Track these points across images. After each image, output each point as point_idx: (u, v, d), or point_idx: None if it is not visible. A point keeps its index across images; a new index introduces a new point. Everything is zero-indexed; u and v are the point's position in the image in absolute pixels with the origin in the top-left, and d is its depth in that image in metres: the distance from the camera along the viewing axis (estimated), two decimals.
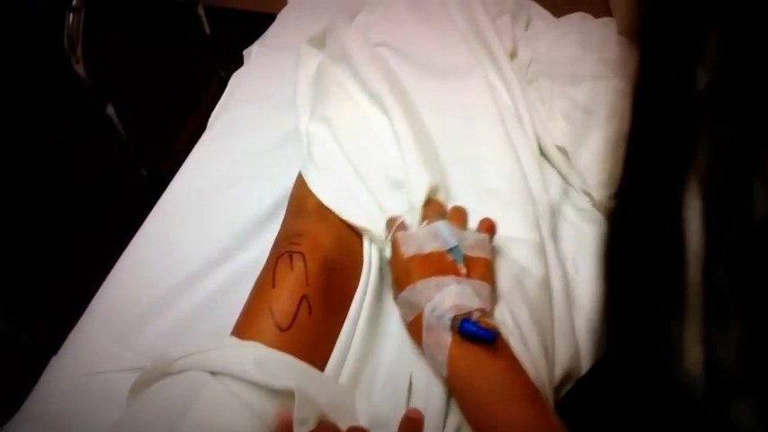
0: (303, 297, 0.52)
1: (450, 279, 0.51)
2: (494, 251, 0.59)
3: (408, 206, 0.62)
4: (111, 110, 0.92)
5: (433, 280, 0.51)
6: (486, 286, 0.53)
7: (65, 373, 0.60)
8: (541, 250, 0.61)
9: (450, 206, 0.64)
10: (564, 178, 0.78)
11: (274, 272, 0.54)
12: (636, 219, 0.28)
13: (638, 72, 0.26)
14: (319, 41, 0.90)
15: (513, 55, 0.93)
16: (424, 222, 0.58)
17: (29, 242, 1.29)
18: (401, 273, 0.55)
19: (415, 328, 0.52)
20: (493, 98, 0.81)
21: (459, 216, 0.61)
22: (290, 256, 0.55)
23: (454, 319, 0.48)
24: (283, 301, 0.52)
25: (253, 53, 1.02)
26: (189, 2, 1.29)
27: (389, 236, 0.58)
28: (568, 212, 0.74)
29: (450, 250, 0.54)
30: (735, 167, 0.23)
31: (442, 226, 0.56)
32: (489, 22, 0.90)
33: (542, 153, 0.80)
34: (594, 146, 0.79)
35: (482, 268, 0.55)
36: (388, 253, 0.59)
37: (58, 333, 0.64)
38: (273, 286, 0.53)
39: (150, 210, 0.77)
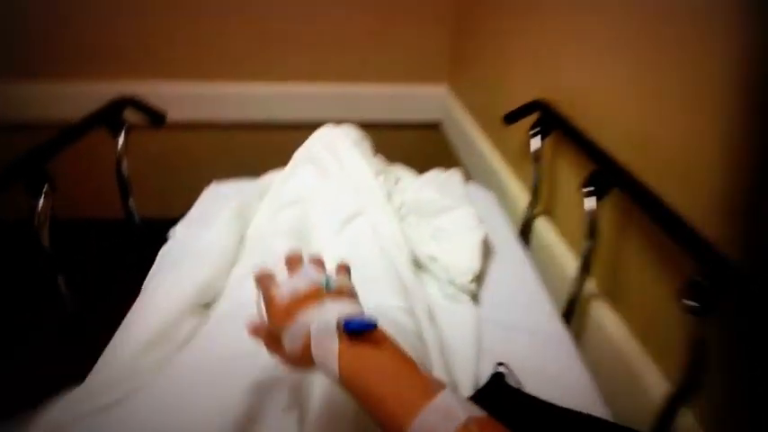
0: None
1: (326, 300, 0.55)
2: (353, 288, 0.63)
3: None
4: (61, 280, 1.01)
5: (311, 307, 0.55)
6: (357, 301, 0.58)
7: None
8: (410, 312, 0.80)
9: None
10: (435, 276, 1.00)
11: None
12: None
13: None
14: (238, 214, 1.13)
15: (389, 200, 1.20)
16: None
17: None
18: (282, 316, 0.56)
19: (303, 354, 0.54)
20: (375, 231, 1.04)
21: (319, 264, 0.63)
22: None
23: (338, 322, 0.52)
24: None
25: (177, 231, 1.22)
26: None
27: (258, 297, 0.62)
28: (440, 300, 0.95)
29: (322, 285, 0.58)
30: None
31: (307, 266, 0.61)
32: (374, 177, 1.18)
33: (418, 264, 1.02)
34: (455, 251, 1.03)
35: (348, 290, 0.60)
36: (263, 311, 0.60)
37: None
38: None
39: None
